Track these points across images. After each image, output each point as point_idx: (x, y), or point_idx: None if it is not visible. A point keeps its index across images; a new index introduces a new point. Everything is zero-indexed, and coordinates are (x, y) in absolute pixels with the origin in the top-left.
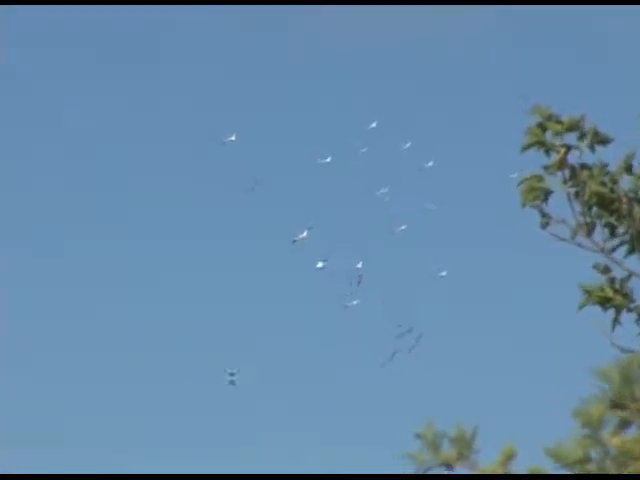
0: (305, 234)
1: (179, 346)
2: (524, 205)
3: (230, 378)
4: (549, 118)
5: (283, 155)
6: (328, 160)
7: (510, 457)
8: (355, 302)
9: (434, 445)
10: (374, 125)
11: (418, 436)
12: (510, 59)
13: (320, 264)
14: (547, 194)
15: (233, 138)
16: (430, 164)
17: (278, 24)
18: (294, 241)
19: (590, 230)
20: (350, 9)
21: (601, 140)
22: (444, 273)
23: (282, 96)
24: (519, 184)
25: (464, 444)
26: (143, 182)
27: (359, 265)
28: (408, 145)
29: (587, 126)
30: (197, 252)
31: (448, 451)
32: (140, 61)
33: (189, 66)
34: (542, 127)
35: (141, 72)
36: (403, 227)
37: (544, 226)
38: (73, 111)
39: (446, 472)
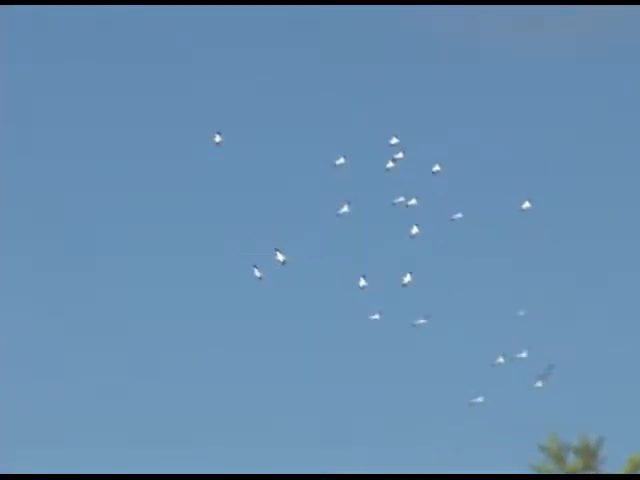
0: (219, 138)
1: None
2: None
3: (545, 372)
4: None
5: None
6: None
7: (637, 466)
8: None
9: (559, 456)
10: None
11: (542, 448)
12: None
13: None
14: None
15: (219, 140)
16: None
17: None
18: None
19: None
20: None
21: None
22: None
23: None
24: None
25: (589, 455)
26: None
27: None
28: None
29: None
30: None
31: (573, 462)
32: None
33: (220, 81)
34: None
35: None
36: None
37: None
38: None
39: None
